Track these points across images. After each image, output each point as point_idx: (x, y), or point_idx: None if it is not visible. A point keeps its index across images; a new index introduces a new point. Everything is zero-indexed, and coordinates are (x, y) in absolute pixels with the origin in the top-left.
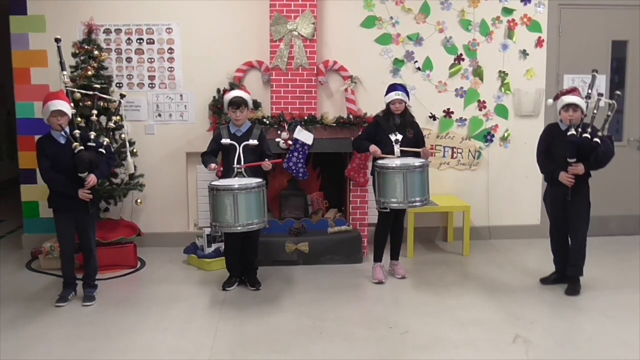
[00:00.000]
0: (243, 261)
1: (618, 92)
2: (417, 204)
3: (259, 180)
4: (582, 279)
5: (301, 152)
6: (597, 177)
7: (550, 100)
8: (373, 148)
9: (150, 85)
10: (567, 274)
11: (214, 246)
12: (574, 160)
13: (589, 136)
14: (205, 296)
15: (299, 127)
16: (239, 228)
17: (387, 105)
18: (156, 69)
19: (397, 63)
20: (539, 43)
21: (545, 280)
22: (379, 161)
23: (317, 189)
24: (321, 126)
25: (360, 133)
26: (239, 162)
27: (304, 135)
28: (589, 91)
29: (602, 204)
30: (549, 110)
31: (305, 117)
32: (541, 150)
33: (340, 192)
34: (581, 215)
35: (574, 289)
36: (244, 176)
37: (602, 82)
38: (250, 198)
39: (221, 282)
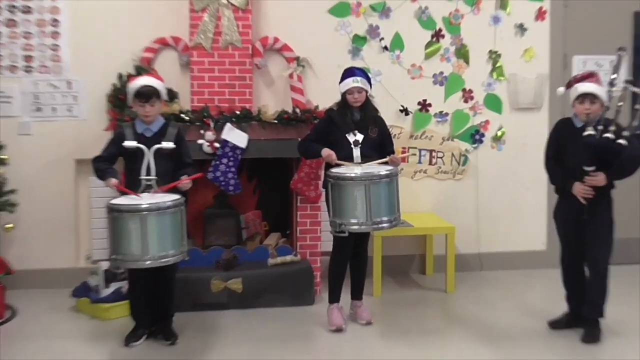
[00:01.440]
0: (154, 306)
1: None
2: (385, 225)
3: (176, 197)
4: (602, 321)
5: (232, 158)
6: (622, 189)
7: (562, 89)
8: (326, 152)
9: (26, 69)
10: (583, 314)
11: (113, 286)
12: (593, 168)
13: (611, 136)
14: (101, 355)
15: (228, 125)
16: (148, 262)
17: (344, 95)
18: (35, 47)
19: (358, 41)
20: (540, 15)
21: (555, 324)
22: (334, 170)
23: (254, 206)
24: (258, 123)
25: (309, 133)
26: (148, 172)
27: (236, 136)
28: (613, 76)
29: (628, 223)
30: (555, 102)
31: (238, 112)
32: (550, 154)
33: (285, 211)
34: (602, 238)
35: (592, 334)
36: (154, 190)
37: (623, 65)
38: (164, 221)
39: (124, 336)
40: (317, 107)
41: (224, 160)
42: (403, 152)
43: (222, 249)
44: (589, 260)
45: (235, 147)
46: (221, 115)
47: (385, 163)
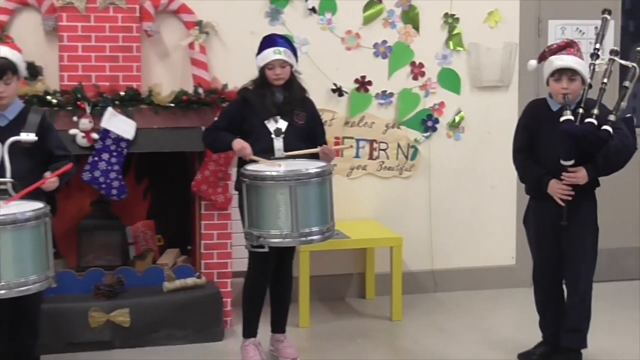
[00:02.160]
0: (12, 347)
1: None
2: (315, 237)
3: (38, 205)
4: (585, 352)
5: (115, 153)
6: (607, 188)
7: (533, 62)
8: (239, 144)
9: None
10: (561, 344)
11: None
12: (572, 162)
13: (594, 122)
14: None
15: (110, 109)
16: (2, 291)
17: (262, 71)
18: None
19: (277, 0)
20: None
21: (527, 357)
22: (250, 167)
23: (144, 216)
24: (149, 107)
25: (216, 119)
26: (2, 173)
27: (120, 124)
28: (596, 47)
29: (615, 230)
30: (528, 79)
31: (122, 93)
32: (519, 145)
33: (184, 221)
34: (584, 249)
35: None
36: (10, 196)
37: (610, 32)
38: (22, 239)
39: None
40: (225, 86)
41: (105, 156)
42: (337, 144)
43: (103, 272)
44: (568, 278)
45: (119, 139)
46: (100, 97)
47: (316, 157)
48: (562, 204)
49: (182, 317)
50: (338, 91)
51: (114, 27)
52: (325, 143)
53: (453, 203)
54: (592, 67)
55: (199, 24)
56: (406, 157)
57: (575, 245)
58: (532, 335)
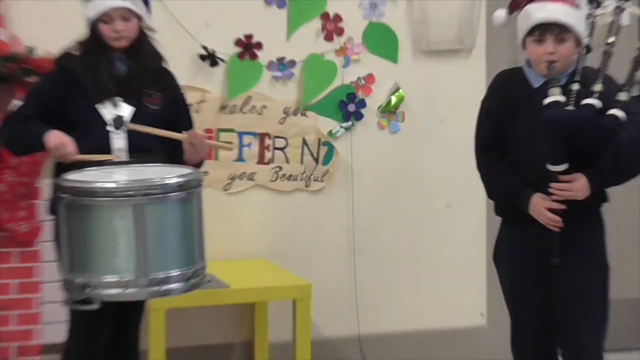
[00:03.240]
0: None
1: None
2: (174, 287)
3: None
4: None
5: None
6: (619, 200)
7: (501, 14)
8: (55, 140)
9: None
10: None
11: None
12: (564, 166)
13: (596, 104)
14: None
15: None
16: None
17: (93, 26)
18: None
19: None
20: None
21: None
22: (71, 176)
23: None
24: None
25: (18, 103)
26: None
27: None
28: None
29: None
30: (498, 39)
31: None
32: (484, 141)
33: None
34: (589, 302)
35: None
36: None
37: None
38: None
39: None
40: (32, 50)
41: None
42: (208, 137)
43: None
44: (564, 347)
45: None
46: None
47: (177, 155)
48: (556, 229)
49: None
50: (210, 58)
51: None
52: None
53: (388, 230)
54: (591, 20)
55: None
56: (316, 159)
57: (575, 295)
58: None
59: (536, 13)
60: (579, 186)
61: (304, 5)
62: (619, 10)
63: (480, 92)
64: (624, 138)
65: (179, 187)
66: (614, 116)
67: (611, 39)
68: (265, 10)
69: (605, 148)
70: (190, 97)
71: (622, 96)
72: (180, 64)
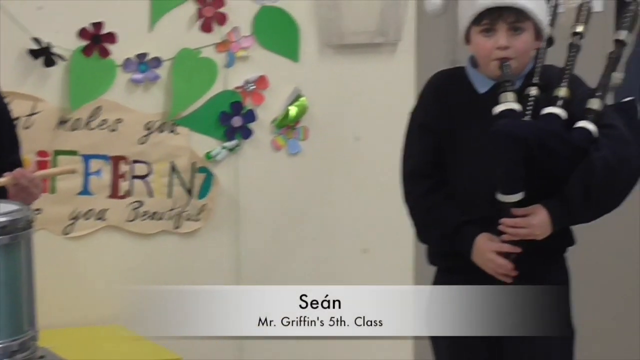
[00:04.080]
0: None
1: None
2: None
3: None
4: None
5: None
6: (589, 239)
7: None
8: None
9: None
10: None
11: None
12: (519, 196)
13: (560, 113)
14: None
15: None
16: None
17: None
18: None
19: None
20: None
21: None
22: None
23: None
24: None
25: None
26: None
27: None
28: None
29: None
30: (437, 30)
31: None
32: (414, 166)
33: None
34: None
35: None
36: None
37: None
38: None
39: None
40: None
41: None
42: (41, 166)
43: None
44: None
45: None
46: None
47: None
48: (508, 280)
49: None
50: (44, 54)
51: None
52: (19, 164)
53: (286, 283)
54: (553, 4)
55: None
56: (189, 191)
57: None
58: None
59: None
60: (537, 222)
61: None
62: None
63: (409, 100)
64: (598, 161)
65: (1, 229)
66: (584, 130)
67: (579, 29)
68: None
69: (572, 173)
70: (16, 109)
71: (594, 104)
72: (5, 62)
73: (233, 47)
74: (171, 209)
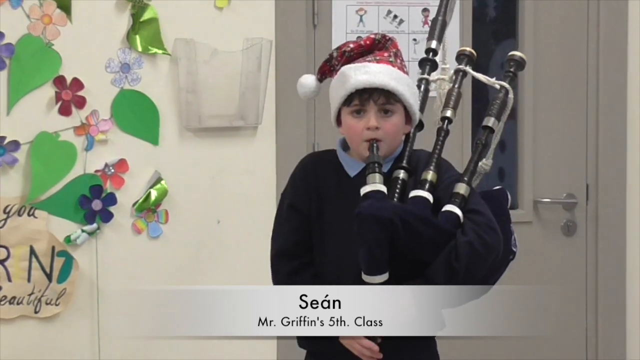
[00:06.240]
0: None
1: (516, 54)
2: None
3: None
4: None
5: None
6: None
7: (309, 80)
8: None
9: None
10: None
11: None
12: (384, 277)
13: (428, 197)
14: None
15: None
16: None
17: None
18: None
19: None
20: None
21: None
22: None
23: None
24: None
25: None
26: None
27: None
28: (432, 46)
29: None
30: (301, 112)
31: None
32: (282, 245)
33: None
34: None
35: None
36: None
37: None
38: None
39: None
40: None
41: None
42: None
43: None
44: None
45: None
46: None
47: None
48: None
49: None
50: None
51: None
52: None
53: None
54: (423, 87)
55: None
56: (49, 275)
57: None
58: None
59: (356, 75)
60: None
61: (29, 66)
62: (459, 75)
63: (270, 182)
64: (463, 246)
65: None
66: (450, 214)
67: (448, 113)
68: None
69: (437, 256)
70: None
71: (461, 189)
72: None
73: (92, 130)
74: (30, 294)
